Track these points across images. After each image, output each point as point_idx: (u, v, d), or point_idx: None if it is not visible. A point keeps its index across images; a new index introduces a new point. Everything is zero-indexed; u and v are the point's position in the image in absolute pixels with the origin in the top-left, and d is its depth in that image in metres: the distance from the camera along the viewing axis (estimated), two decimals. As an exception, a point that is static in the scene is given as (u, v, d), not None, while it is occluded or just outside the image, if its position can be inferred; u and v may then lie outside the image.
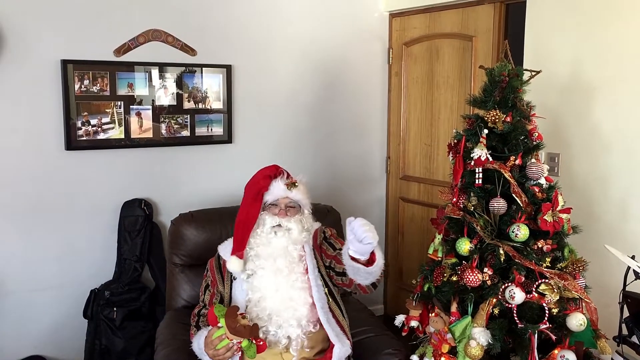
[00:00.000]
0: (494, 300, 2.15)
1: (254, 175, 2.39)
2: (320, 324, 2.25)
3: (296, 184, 2.34)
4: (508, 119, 2.24)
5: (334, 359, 2.21)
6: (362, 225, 1.90)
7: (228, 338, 2.03)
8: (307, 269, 2.29)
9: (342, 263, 2.17)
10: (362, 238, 1.90)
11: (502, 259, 2.16)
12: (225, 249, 2.39)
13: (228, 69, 3.42)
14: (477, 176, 2.25)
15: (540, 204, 2.18)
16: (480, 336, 2.09)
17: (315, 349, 2.28)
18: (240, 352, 2.07)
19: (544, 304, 2.10)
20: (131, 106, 3.17)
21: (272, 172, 2.35)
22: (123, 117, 3.15)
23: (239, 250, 2.27)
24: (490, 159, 2.23)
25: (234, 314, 2.04)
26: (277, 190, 2.32)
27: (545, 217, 2.14)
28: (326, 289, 2.30)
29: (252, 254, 2.28)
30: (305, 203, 2.38)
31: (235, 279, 2.33)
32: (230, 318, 2.02)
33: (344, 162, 3.96)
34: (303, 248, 2.31)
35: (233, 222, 2.84)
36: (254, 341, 2.06)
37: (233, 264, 2.26)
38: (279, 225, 2.28)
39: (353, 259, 2.03)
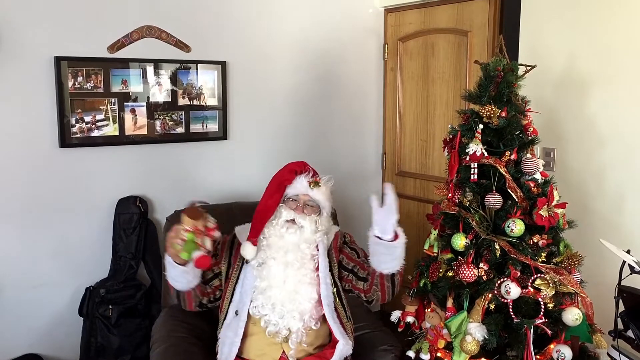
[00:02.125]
0: (490, 295, 2.15)
1: (281, 168, 2.41)
2: (322, 322, 2.28)
3: (319, 183, 2.35)
4: (503, 114, 2.24)
5: (337, 354, 2.24)
6: (390, 208, 2.05)
7: (182, 224, 2.03)
8: (317, 267, 2.31)
9: (367, 269, 2.29)
10: (388, 222, 2.07)
11: (497, 254, 2.16)
12: (243, 231, 2.40)
13: (223, 65, 3.40)
14: (472, 171, 2.25)
15: (536, 199, 2.18)
16: (476, 331, 2.10)
17: (314, 345, 2.30)
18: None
19: (540, 299, 2.10)
20: (125, 103, 3.15)
21: (298, 168, 2.37)
22: (117, 114, 3.13)
23: (253, 237, 2.28)
24: (486, 154, 2.23)
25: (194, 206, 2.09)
26: (299, 185, 2.34)
27: (540, 212, 2.14)
28: (334, 289, 2.32)
29: (264, 244, 2.30)
30: (325, 205, 2.38)
31: (247, 262, 2.34)
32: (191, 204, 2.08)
33: (340, 158, 3.95)
34: (316, 247, 2.32)
35: (229, 218, 2.85)
36: (198, 240, 2.04)
37: (247, 249, 2.26)
38: (293, 221, 2.29)
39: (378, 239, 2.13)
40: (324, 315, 2.29)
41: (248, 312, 2.26)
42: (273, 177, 2.40)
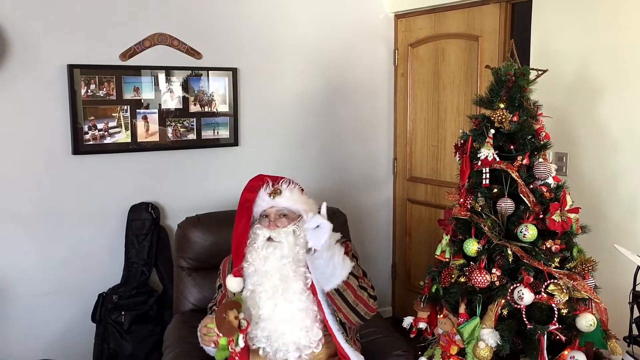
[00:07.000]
0: (503, 301, 2.13)
1: (242, 190, 2.30)
2: (325, 342, 2.17)
3: (278, 190, 2.21)
4: (515, 119, 2.23)
5: None
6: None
7: (215, 329, 2.01)
8: (312, 285, 2.16)
9: None
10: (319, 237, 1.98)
11: (510, 260, 2.15)
12: None
13: (234, 71, 3.42)
14: (484, 176, 2.24)
15: (549, 203, 2.17)
16: (489, 337, 2.08)
17: (322, 359, 2.23)
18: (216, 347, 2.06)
19: (553, 305, 2.08)
20: (137, 110, 3.17)
21: (257, 183, 2.26)
22: (129, 121, 3.15)
23: (235, 266, 2.20)
24: (497, 159, 2.22)
25: (228, 308, 2.00)
26: (261, 201, 2.22)
27: (553, 217, 2.12)
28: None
29: (250, 270, 2.18)
30: (297, 208, 2.22)
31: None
32: (222, 310, 1.99)
33: (351, 164, 3.95)
34: (306, 264, 2.17)
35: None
36: (230, 346, 2.02)
37: (232, 283, 2.18)
38: (271, 239, 2.18)
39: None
40: (327, 329, 2.18)
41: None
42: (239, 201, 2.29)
